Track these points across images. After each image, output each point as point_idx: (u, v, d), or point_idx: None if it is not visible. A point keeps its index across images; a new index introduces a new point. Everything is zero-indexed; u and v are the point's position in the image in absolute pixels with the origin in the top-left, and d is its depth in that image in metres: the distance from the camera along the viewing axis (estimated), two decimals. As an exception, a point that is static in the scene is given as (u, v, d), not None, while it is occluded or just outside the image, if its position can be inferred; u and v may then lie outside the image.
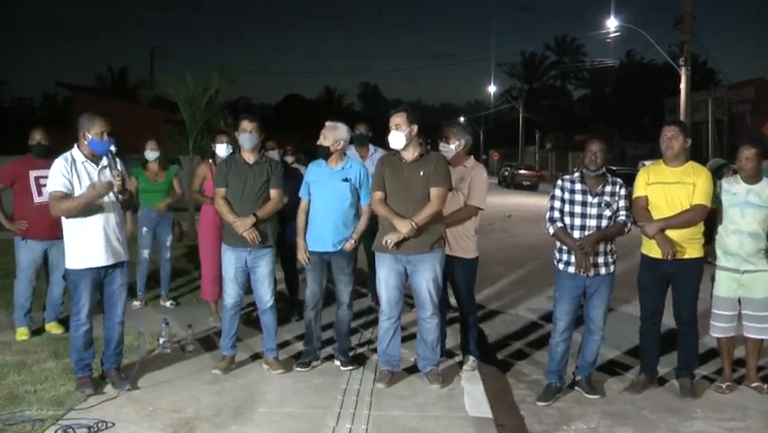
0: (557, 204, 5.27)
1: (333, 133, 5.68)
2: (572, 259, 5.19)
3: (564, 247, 5.25)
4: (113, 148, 5.14)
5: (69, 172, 5.03)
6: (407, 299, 5.84)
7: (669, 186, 5.31)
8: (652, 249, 5.34)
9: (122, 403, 4.92)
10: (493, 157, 64.07)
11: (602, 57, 58.87)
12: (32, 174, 6.44)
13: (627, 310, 7.64)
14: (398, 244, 5.22)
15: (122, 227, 5.29)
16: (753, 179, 5.37)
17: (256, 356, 5.97)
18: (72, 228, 5.10)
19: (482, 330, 7.04)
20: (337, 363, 5.82)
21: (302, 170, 6.83)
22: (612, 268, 5.28)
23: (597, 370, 5.69)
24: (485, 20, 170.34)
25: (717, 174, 6.70)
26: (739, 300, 5.46)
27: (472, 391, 5.25)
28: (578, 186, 5.24)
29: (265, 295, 5.72)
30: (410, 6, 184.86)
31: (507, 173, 43.69)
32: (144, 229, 7.93)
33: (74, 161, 5.09)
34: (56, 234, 5.54)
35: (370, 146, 7.62)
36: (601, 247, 5.19)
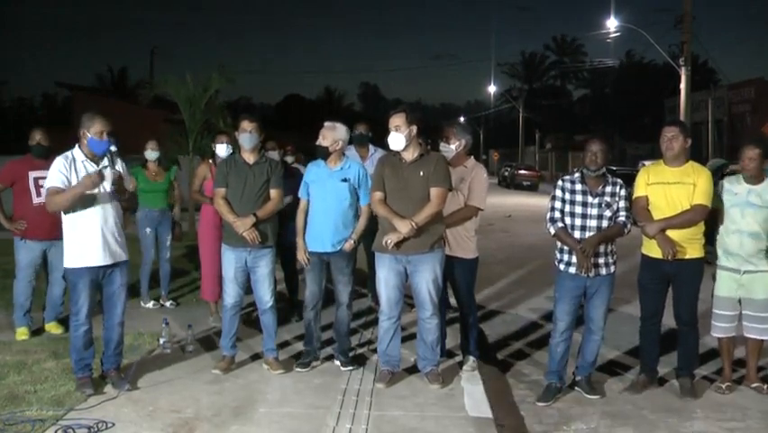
0: (558, 204, 5.27)
1: (332, 134, 5.68)
2: (573, 259, 5.19)
3: (565, 247, 5.25)
4: (113, 148, 5.14)
5: (68, 170, 5.04)
6: (407, 299, 5.84)
7: (669, 186, 5.30)
8: (652, 249, 5.34)
9: (122, 403, 4.92)
10: (493, 157, 64.07)
11: (602, 57, 58.91)
12: (32, 175, 6.45)
13: (627, 310, 7.64)
14: (398, 245, 5.22)
15: (121, 228, 5.28)
16: (755, 179, 5.37)
17: (256, 356, 5.97)
18: (71, 227, 5.11)
19: (482, 330, 7.04)
20: (337, 363, 5.82)
21: (302, 169, 6.83)
22: (612, 268, 5.28)
23: (597, 370, 5.69)
24: (485, 20, 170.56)
25: (717, 174, 6.70)
26: (740, 301, 5.46)
27: (472, 391, 5.25)
28: (578, 186, 5.24)
29: (265, 295, 5.71)
30: (410, 6, 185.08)
31: (507, 173, 43.70)
32: (147, 230, 7.95)
33: (74, 159, 5.10)
34: (55, 234, 5.55)
35: (370, 146, 7.62)
36: (602, 248, 5.19)
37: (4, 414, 4.63)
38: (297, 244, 5.75)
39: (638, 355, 5.76)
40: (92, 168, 5.11)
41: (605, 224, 5.17)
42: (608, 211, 5.18)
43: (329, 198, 5.64)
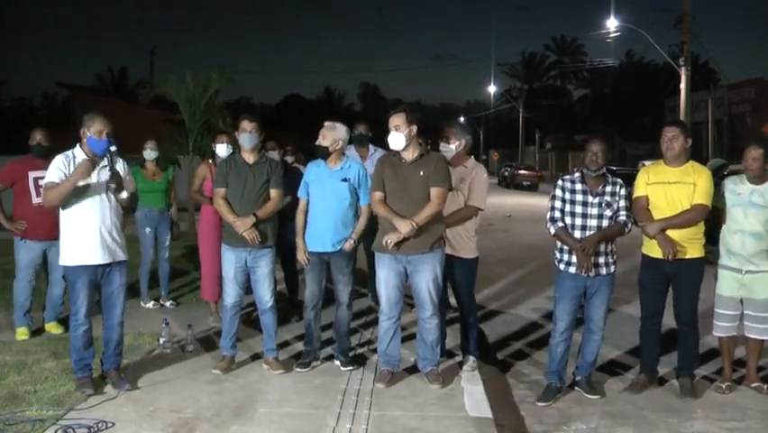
0: (558, 204, 5.27)
1: (332, 134, 5.68)
2: (573, 259, 5.19)
3: (565, 247, 5.24)
4: (113, 148, 5.14)
5: (67, 167, 5.05)
6: (407, 299, 5.84)
7: (669, 186, 5.30)
8: (652, 249, 5.34)
9: (122, 403, 4.91)
10: (493, 157, 64.07)
11: (602, 57, 58.85)
12: (31, 175, 6.45)
13: (627, 310, 7.64)
14: (398, 245, 5.22)
15: (120, 228, 5.28)
16: (758, 179, 5.36)
17: (256, 356, 5.97)
18: (68, 225, 5.12)
19: (482, 330, 7.04)
20: (337, 363, 5.82)
21: (302, 169, 6.83)
22: (612, 268, 5.28)
23: (597, 370, 5.69)
24: (485, 20, 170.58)
25: (716, 174, 6.70)
26: (741, 301, 5.46)
27: (472, 391, 5.25)
28: (578, 186, 5.24)
29: (265, 295, 5.71)
30: (410, 6, 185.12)
31: (507, 173, 43.71)
32: (147, 229, 7.96)
33: (74, 157, 5.12)
34: (55, 234, 5.54)
35: (370, 146, 7.62)
36: (602, 247, 5.19)
37: (4, 414, 4.63)
38: (297, 244, 5.75)
39: (638, 355, 5.76)
40: (94, 167, 5.11)
41: (605, 223, 5.17)
42: (608, 211, 5.18)
43: (329, 197, 5.64)
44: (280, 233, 6.11)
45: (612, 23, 29.59)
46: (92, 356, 5.27)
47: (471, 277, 5.84)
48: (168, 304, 8.02)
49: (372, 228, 5.64)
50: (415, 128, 5.32)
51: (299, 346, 6.12)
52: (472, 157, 5.98)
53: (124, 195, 5.15)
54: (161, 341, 6.17)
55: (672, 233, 5.24)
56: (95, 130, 5.08)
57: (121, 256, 5.25)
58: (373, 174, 5.52)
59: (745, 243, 5.35)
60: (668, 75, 32.59)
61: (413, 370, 5.62)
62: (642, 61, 55.28)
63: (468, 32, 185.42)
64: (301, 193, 5.79)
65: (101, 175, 5.12)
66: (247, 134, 5.67)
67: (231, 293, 5.72)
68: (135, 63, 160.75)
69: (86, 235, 5.08)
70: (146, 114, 23.65)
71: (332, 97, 74.38)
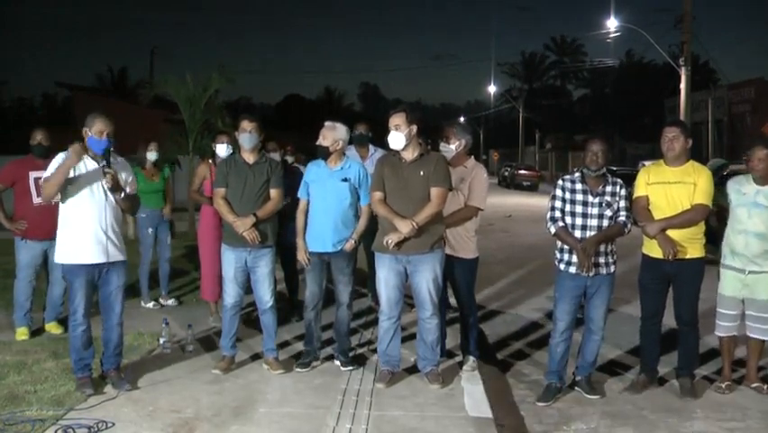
0: (558, 204, 5.27)
1: (332, 133, 5.68)
2: (573, 259, 5.19)
3: (565, 247, 5.24)
4: (111, 147, 5.14)
5: None
6: (407, 299, 5.84)
7: (670, 185, 5.30)
8: (653, 249, 5.34)
9: (122, 403, 4.91)
10: (493, 157, 64.06)
11: (602, 57, 58.82)
12: (32, 175, 6.45)
13: (627, 310, 7.64)
14: (399, 244, 5.22)
15: (118, 228, 5.26)
16: (764, 180, 5.35)
17: (256, 356, 5.97)
18: (65, 223, 5.13)
19: (482, 330, 7.04)
20: (337, 363, 5.82)
21: (302, 169, 6.83)
22: (612, 268, 5.28)
23: (597, 370, 5.69)
24: (485, 20, 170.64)
25: (716, 174, 6.70)
26: (743, 301, 5.46)
27: (472, 391, 5.25)
28: (578, 186, 5.24)
29: (265, 295, 5.71)
30: (410, 6, 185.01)
31: (507, 173, 43.70)
32: (150, 230, 7.98)
33: None
34: (55, 234, 5.53)
35: (370, 146, 7.62)
36: (602, 247, 5.19)
37: (4, 414, 4.63)
38: (298, 243, 5.75)
39: (638, 355, 5.76)
40: (93, 165, 5.11)
41: (605, 223, 5.17)
42: (608, 211, 5.18)
43: (329, 197, 5.64)
44: (280, 233, 6.11)
45: (612, 23, 29.60)
46: (92, 356, 5.26)
47: (471, 277, 5.84)
48: (170, 302, 8.04)
49: (373, 228, 5.64)
50: (415, 128, 5.32)
51: (299, 346, 6.12)
52: (472, 157, 5.98)
53: (121, 195, 5.14)
54: (161, 341, 6.17)
55: (672, 233, 5.24)
56: (96, 130, 5.09)
57: (118, 257, 5.24)
58: (373, 174, 5.52)
59: (748, 243, 5.35)
60: (668, 75, 32.58)
61: (413, 370, 5.62)
62: (642, 61, 55.29)
63: (468, 32, 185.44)
64: (301, 193, 5.79)
65: (105, 176, 5.11)
66: (247, 134, 5.67)
67: (231, 293, 5.72)
68: (135, 63, 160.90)
69: (82, 234, 5.08)
70: (146, 114, 23.65)
71: (332, 97, 74.37)
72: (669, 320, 5.59)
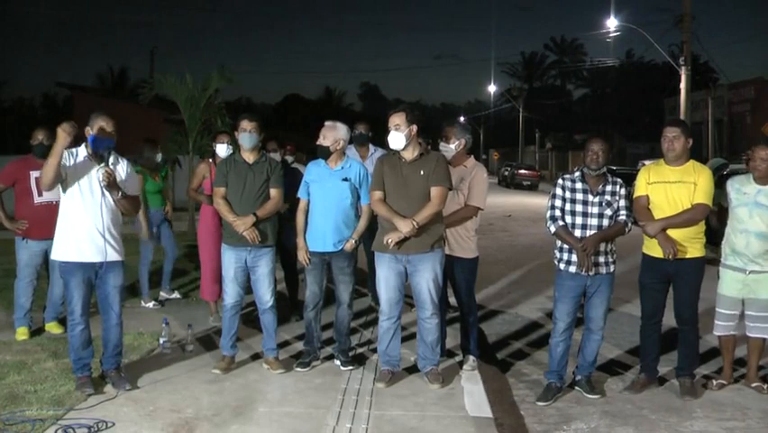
0: (558, 203, 5.27)
1: (333, 133, 5.68)
2: (573, 258, 5.19)
3: (565, 246, 5.24)
4: (111, 146, 5.15)
5: (67, 159, 5.07)
6: (407, 299, 5.83)
7: (670, 185, 5.30)
8: (653, 249, 5.34)
9: (122, 403, 4.91)
10: (493, 157, 64.04)
11: (602, 57, 58.85)
12: (33, 175, 6.44)
13: (627, 310, 7.64)
14: (399, 244, 5.22)
15: (115, 228, 5.24)
16: (765, 179, 5.35)
17: (256, 356, 5.97)
18: (63, 221, 5.13)
19: (482, 330, 7.04)
20: (337, 362, 5.82)
21: (302, 169, 6.83)
22: (612, 267, 5.28)
23: (597, 370, 5.69)
24: (485, 20, 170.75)
25: (716, 174, 6.70)
26: (742, 301, 5.46)
27: (472, 391, 5.25)
28: (579, 185, 5.24)
29: (265, 295, 5.71)
30: (410, 6, 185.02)
31: (507, 173, 43.68)
32: (154, 229, 8.00)
33: (77, 154, 5.14)
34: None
35: (370, 146, 7.63)
36: (602, 247, 5.19)
37: (4, 414, 4.63)
38: (298, 243, 5.75)
39: (638, 355, 5.76)
40: (93, 164, 5.11)
41: (605, 223, 5.17)
42: (608, 210, 5.18)
43: (330, 197, 5.64)
44: (280, 232, 6.11)
45: (612, 23, 29.57)
46: (91, 356, 5.26)
47: (472, 277, 5.84)
48: (174, 296, 8.10)
49: (372, 228, 5.64)
50: (415, 127, 5.32)
51: (299, 346, 6.12)
52: (472, 157, 5.98)
53: (119, 194, 5.12)
54: (161, 341, 6.16)
55: (672, 232, 5.24)
56: (96, 128, 5.11)
57: (115, 257, 5.22)
58: (373, 173, 5.52)
59: (749, 243, 5.35)
60: (668, 75, 32.58)
61: (413, 370, 5.62)
62: (642, 61, 55.29)
63: (468, 32, 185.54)
64: (301, 193, 5.79)
65: (99, 174, 5.11)
66: (247, 134, 5.67)
67: (231, 293, 5.72)
68: (135, 63, 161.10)
69: (79, 232, 5.08)
70: (146, 114, 23.65)
71: (332, 97, 74.33)
72: (669, 320, 5.59)
